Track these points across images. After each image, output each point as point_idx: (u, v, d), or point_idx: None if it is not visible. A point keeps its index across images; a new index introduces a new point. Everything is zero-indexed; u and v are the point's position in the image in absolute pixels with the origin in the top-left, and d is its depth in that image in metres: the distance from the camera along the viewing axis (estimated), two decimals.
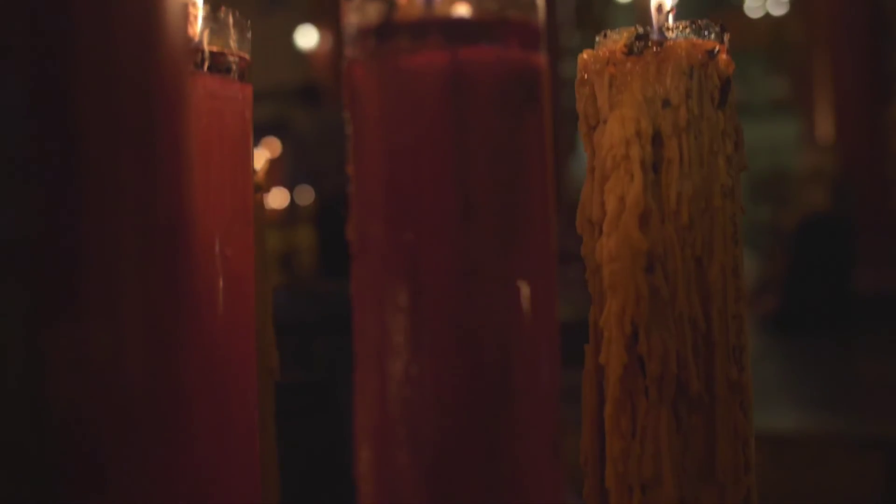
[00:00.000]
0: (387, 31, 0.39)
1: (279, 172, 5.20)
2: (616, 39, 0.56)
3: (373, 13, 0.40)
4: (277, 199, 5.26)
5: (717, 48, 0.55)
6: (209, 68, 0.50)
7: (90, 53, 0.29)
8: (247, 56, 0.53)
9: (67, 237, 0.29)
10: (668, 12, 0.57)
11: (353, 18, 0.41)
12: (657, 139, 0.54)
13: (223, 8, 0.51)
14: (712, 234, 0.54)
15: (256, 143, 3.70)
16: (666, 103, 0.54)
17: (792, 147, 8.71)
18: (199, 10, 0.51)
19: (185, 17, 0.36)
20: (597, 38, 0.58)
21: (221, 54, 0.51)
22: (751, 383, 0.56)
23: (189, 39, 0.46)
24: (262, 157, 5.94)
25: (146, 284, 0.31)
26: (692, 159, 0.54)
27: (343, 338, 0.46)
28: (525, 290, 0.39)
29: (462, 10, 0.39)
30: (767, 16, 7.76)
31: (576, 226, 0.58)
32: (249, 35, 0.53)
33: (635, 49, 0.55)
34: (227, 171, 0.51)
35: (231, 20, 0.52)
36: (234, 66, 0.51)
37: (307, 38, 6.97)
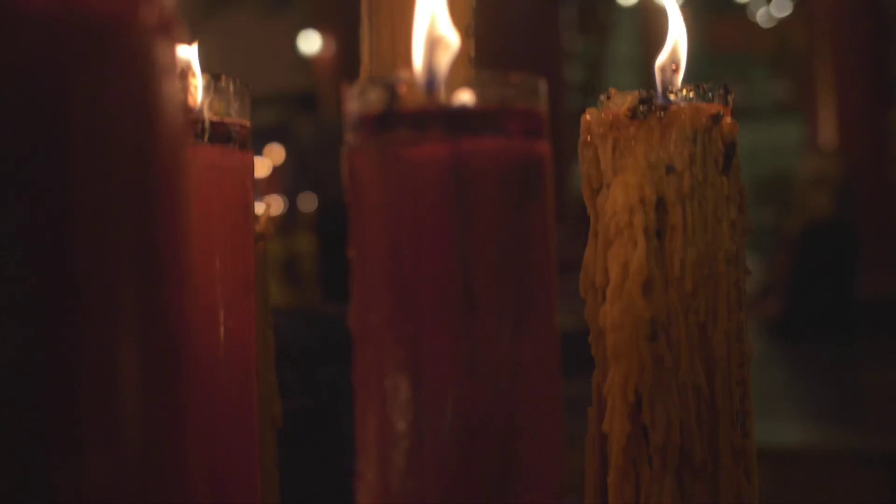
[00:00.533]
0: (388, 120, 0.39)
1: (280, 179, 5.20)
2: (620, 103, 0.55)
3: (374, 101, 0.39)
4: (276, 206, 5.26)
5: (721, 112, 0.54)
6: (209, 138, 0.50)
7: (85, 148, 0.29)
8: (247, 123, 0.52)
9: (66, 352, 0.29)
10: (674, 72, 0.57)
11: (354, 105, 0.40)
12: (661, 205, 0.53)
13: (223, 76, 0.51)
14: (716, 301, 0.54)
15: (259, 150, 3.72)
16: (670, 169, 0.53)
17: (795, 150, 8.71)
18: (198, 79, 0.50)
19: (184, 102, 0.36)
20: (601, 98, 0.57)
21: (222, 124, 0.51)
22: (754, 448, 0.56)
23: (187, 126, 0.45)
24: (264, 165, 5.94)
25: (147, 404, 0.30)
26: (696, 226, 0.53)
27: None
28: (528, 381, 0.39)
29: (464, 98, 0.39)
30: (771, 20, 7.76)
31: (580, 288, 0.57)
32: (249, 101, 0.52)
33: (639, 113, 0.54)
34: (228, 243, 0.50)
35: (231, 88, 0.51)
36: (234, 135, 0.51)
37: (309, 43, 6.97)
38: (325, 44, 6.78)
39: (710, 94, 0.55)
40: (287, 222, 4.79)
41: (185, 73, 0.50)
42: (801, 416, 3.29)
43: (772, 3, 7.71)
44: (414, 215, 0.39)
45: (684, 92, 0.55)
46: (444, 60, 0.41)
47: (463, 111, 0.39)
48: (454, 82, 0.43)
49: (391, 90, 0.39)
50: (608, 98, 0.56)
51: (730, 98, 0.56)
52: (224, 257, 0.50)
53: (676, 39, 0.57)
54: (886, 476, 2.28)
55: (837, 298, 5.15)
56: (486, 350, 0.39)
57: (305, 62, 7.29)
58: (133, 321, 0.30)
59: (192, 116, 0.50)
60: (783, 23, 7.53)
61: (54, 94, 0.28)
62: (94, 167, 0.29)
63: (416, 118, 0.39)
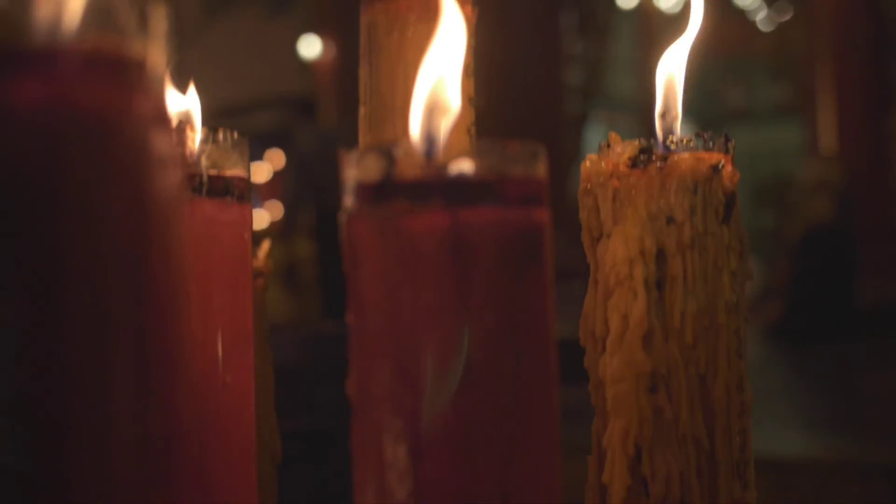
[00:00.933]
0: (386, 189, 0.39)
1: (281, 184, 5.20)
2: (620, 152, 0.55)
3: (372, 169, 0.39)
4: (276, 211, 5.26)
5: (721, 162, 0.54)
6: (207, 192, 0.50)
7: (79, 238, 0.29)
8: (245, 175, 0.52)
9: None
10: (673, 119, 0.57)
11: (352, 172, 0.40)
12: (661, 256, 0.53)
13: (221, 130, 0.50)
14: (716, 351, 0.54)
15: (259, 154, 3.71)
16: (670, 220, 0.53)
17: (795, 153, 8.70)
18: (196, 132, 0.50)
19: (181, 188, 0.35)
20: (601, 145, 0.57)
21: (220, 178, 0.50)
22: (754, 499, 0.55)
23: (184, 211, 0.45)
24: (264, 170, 5.94)
25: (145, 463, 0.30)
26: (696, 276, 0.53)
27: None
28: (527, 455, 0.39)
29: (463, 166, 0.39)
30: (771, 23, 7.74)
31: (580, 337, 0.57)
32: (248, 153, 0.52)
33: (639, 162, 0.54)
34: (227, 297, 0.50)
35: (229, 140, 0.51)
36: (232, 188, 0.51)
37: (310, 47, 6.96)
38: (326, 48, 6.77)
39: (710, 143, 0.55)
40: (287, 228, 4.79)
41: (183, 126, 0.50)
42: (802, 423, 3.28)
43: (772, 6, 7.70)
44: (412, 286, 0.38)
45: (684, 141, 0.55)
46: (444, 126, 0.41)
47: (461, 181, 0.38)
48: (454, 144, 0.42)
49: (389, 158, 0.39)
50: (608, 146, 0.56)
51: (730, 145, 0.56)
52: (223, 312, 0.50)
53: (676, 86, 0.57)
54: (888, 488, 2.27)
55: (838, 303, 5.14)
56: (484, 423, 0.38)
57: (306, 66, 7.28)
58: (130, 415, 0.30)
59: (190, 170, 0.49)
60: (783, 26, 7.52)
61: (48, 188, 0.28)
62: (88, 257, 0.29)
63: (414, 188, 0.38)
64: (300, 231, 4.68)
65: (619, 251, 0.53)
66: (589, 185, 0.56)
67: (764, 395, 3.40)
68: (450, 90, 0.41)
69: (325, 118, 6.82)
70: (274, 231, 5.15)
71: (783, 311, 5.34)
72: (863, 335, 5.05)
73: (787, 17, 7.32)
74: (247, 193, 0.52)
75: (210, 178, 0.50)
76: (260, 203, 5.54)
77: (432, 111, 0.41)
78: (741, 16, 9.50)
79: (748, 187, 10.98)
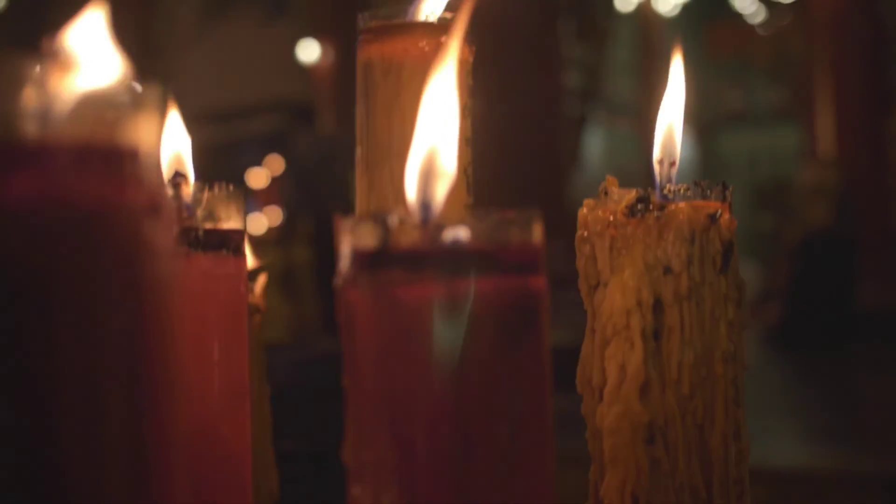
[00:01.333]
0: (382, 259, 0.38)
1: (279, 189, 5.19)
2: (617, 200, 0.55)
3: (368, 237, 0.39)
4: (275, 217, 5.25)
5: (719, 211, 0.54)
6: (203, 247, 0.50)
7: (73, 330, 0.29)
8: (241, 226, 0.52)
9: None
10: (671, 165, 0.57)
11: (347, 240, 0.40)
12: (658, 306, 0.53)
13: (217, 183, 0.50)
14: (714, 401, 0.53)
15: (258, 160, 3.70)
16: (667, 270, 0.53)
17: (794, 155, 8.70)
18: (191, 186, 0.50)
19: (175, 273, 0.35)
20: (599, 189, 0.57)
21: (215, 232, 0.50)
22: None
23: (177, 299, 0.45)
24: (262, 176, 5.93)
25: None
26: (693, 327, 0.53)
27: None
28: None
29: (459, 233, 0.39)
30: (770, 27, 7.75)
31: (576, 383, 0.57)
32: (243, 205, 0.52)
33: (636, 212, 0.54)
34: (222, 352, 0.50)
35: (226, 194, 0.51)
36: (228, 242, 0.51)
37: (308, 51, 6.96)
38: (324, 52, 6.77)
39: (708, 191, 0.55)
40: (285, 234, 4.78)
41: (178, 180, 0.50)
42: (800, 431, 3.28)
43: (771, 10, 7.70)
44: (408, 356, 0.38)
45: (682, 190, 0.54)
46: (440, 192, 0.41)
47: (456, 251, 0.38)
48: (451, 202, 0.42)
49: (384, 228, 0.39)
50: (606, 193, 0.56)
51: (728, 193, 0.55)
52: (219, 366, 0.50)
53: (673, 133, 0.57)
54: (888, 500, 2.27)
55: (836, 307, 5.15)
56: (481, 491, 0.38)
57: (303, 71, 7.28)
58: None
59: (185, 224, 0.49)
60: (782, 30, 7.52)
61: (41, 284, 0.28)
62: (82, 350, 0.28)
63: (409, 258, 0.38)
64: (298, 237, 4.67)
65: (616, 301, 0.53)
66: (586, 234, 0.56)
67: (762, 402, 3.40)
68: (446, 154, 0.41)
69: (323, 123, 6.83)
70: (272, 237, 5.14)
71: (782, 315, 5.34)
72: (861, 339, 5.06)
73: (785, 21, 7.32)
74: (242, 245, 0.52)
75: (205, 232, 0.50)
76: (258, 208, 5.53)
77: (428, 177, 0.40)
78: (739, 19, 9.51)
79: (746, 190, 10.98)
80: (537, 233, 0.40)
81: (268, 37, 8.33)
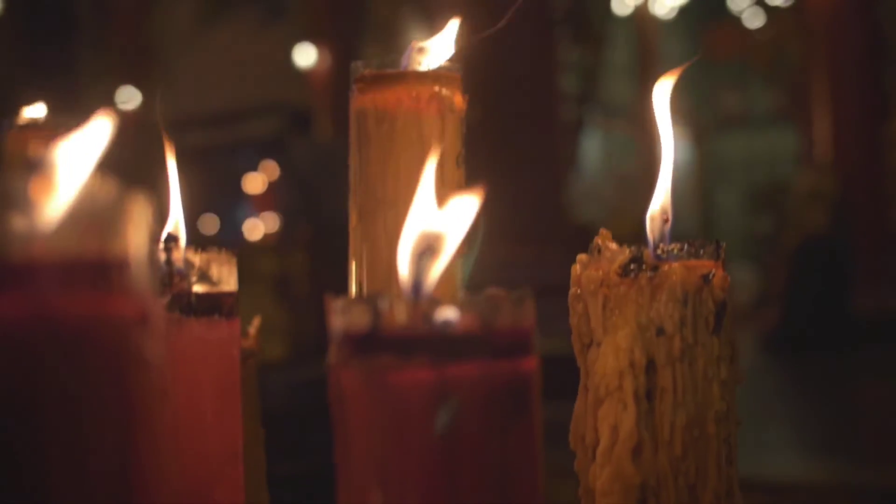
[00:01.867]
0: (372, 343, 0.38)
1: (275, 194, 5.18)
2: (610, 258, 0.55)
3: (358, 319, 0.39)
4: (271, 223, 5.25)
5: (712, 272, 0.54)
6: (195, 312, 0.50)
7: (63, 441, 0.29)
8: (234, 289, 0.52)
9: None
10: (665, 222, 0.57)
11: (338, 321, 0.40)
12: (651, 367, 0.53)
13: (211, 248, 0.50)
14: (706, 461, 0.53)
15: (255, 165, 3.70)
16: (660, 331, 0.53)
17: (791, 158, 8.71)
18: (182, 251, 0.50)
19: (162, 389, 0.35)
20: (591, 247, 0.57)
21: (208, 296, 0.50)
22: None
23: (164, 406, 0.45)
24: (258, 181, 5.92)
25: None
26: (686, 388, 0.53)
27: None
28: None
29: (450, 315, 0.38)
30: (767, 31, 7.74)
31: (569, 440, 0.57)
32: (235, 268, 0.52)
33: (630, 271, 0.54)
34: (215, 415, 0.50)
35: (218, 258, 0.51)
36: (220, 305, 0.51)
37: (304, 56, 6.95)
38: (321, 57, 6.76)
39: (701, 251, 0.55)
40: (282, 241, 4.78)
41: (171, 245, 0.50)
42: (795, 440, 3.28)
43: (768, 14, 7.70)
44: (399, 439, 0.38)
45: (675, 249, 0.54)
46: (433, 271, 0.41)
47: (448, 335, 0.38)
48: (444, 279, 0.42)
49: (375, 311, 0.39)
50: (599, 251, 0.56)
51: (721, 251, 0.55)
52: (212, 432, 0.50)
53: (666, 190, 0.57)
54: None
55: (833, 312, 5.15)
56: None
57: (300, 75, 7.28)
58: None
59: (178, 289, 0.49)
60: (779, 34, 7.52)
61: (30, 399, 0.28)
62: (72, 460, 0.28)
63: (400, 343, 0.38)
64: (295, 244, 4.66)
65: (609, 362, 0.53)
66: (579, 291, 0.56)
67: (757, 413, 3.39)
68: (440, 236, 0.41)
69: (319, 127, 6.82)
70: (268, 243, 5.14)
71: (779, 320, 5.35)
72: (858, 344, 5.05)
73: (782, 25, 7.31)
74: (235, 308, 0.52)
75: (199, 297, 0.50)
76: (255, 214, 5.52)
77: (421, 256, 0.40)
78: (737, 21, 9.51)
79: (743, 193, 10.98)
80: (529, 312, 0.40)
81: (265, 40, 8.31)
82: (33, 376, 0.28)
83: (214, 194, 8.83)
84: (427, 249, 0.41)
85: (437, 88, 0.64)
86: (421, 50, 0.65)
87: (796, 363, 5.07)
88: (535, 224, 3.63)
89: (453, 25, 0.66)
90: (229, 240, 6.65)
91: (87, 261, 0.29)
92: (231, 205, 8.35)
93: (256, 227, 5.14)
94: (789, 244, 5.44)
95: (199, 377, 0.49)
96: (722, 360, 0.54)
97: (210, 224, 6.96)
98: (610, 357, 0.53)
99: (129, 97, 7.62)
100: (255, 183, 5.63)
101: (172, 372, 0.48)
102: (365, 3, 7.08)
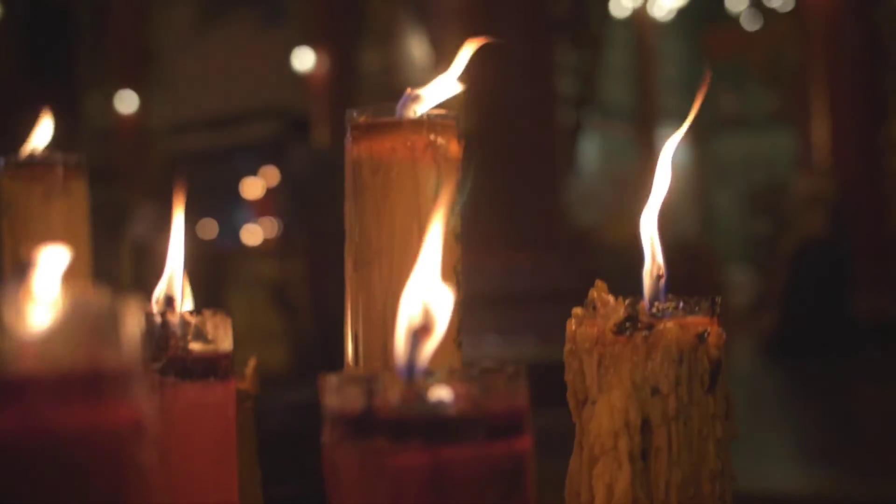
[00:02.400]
0: (367, 425, 0.38)
1: (274, 200, 5.19)
2: (605, 315, 0.55)
3: (352, 400, 0.39)
4: (270, 228, 5.25)
5: (707, 331, 0.54)
6: (191, 376, 0.50)
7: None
8: (229, 351, 0.52)
9: None
10: (659, 278, 0.57)
11: (332, 400, 0.40)
12: (646, 425, 0.53)
13: (205, 311, 0.50)
14: None
15: (253, 167, 3.70)
16: (655, 391, 0.53)
17: (789, 158, 8.70)
18: (178, 314, 0.50)
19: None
20: (586, 302, 0.57)
21: (202, 359, 0.50)
22: None
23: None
24: (258, 186, 5.93)
25: None
26: (681, 447, 0.53)
27: None
28: None
29: (443, 394, 0.39)
30: (765, 33, 7.74)
31: (565, 497, 0.57)
32: (230, 329, 0.52)
33: (625, 330, 0.54)
34: (210, 476, 0.50)
35: (214, 319, 0.51)
36: (215, 368, 0.51)
37: (303, 60, 6.95)
38: (319, 61, 6.77)
39: (696, 308, 0.55)
40: (281, 246, 4.78)
41: (167, 309, 0.50)
42: (794, 450, 3.28)
43: (766, 16, 7.69)
44: None
45: (670, 307, 0.54)
46: (427, 349, 0.41)
47: (443, 417, 0.38)
48: (440, 351, 0.42)
49: (369, 391, 0.39)
50: (594, 308, 0.56)
51: (717, 307, 0.55)
52: (208, 492, 0.50)
53: (656, 240, 0.57)
54: None
55: (831, 316, 5.15)
56: None
57: (299, 78, 7.28)
58: None
59: (174, 352, 0.49)
60: (778, 35, 7.52)
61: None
62: None
63: (395, 425, 0.38)
64: (294, 251, 4.67)
65: (603, 422, 0.53)
66: (574, 348, 0.56)
67: (758, 420, 3.39)
68: (435, 309, 0.41)
69: (317, 131, 6.82)
70: (268, 248, 5.14)
71: (777, 325, 5.35)
72: (856, 349, 5.05)
73: (780, 27, 7.31)
74: (230, 369, 0.52)
75: (193, 360, 0.50)
76: (254, 219, 5.53)
77: (417, 336, 0.40)
78: (735, 22, 9.52)
79: (742, 194, 10.98)
80: (522, 389, 0.40)
81: (264, 44, 8.31)
82: (28, 489, 0.28)
83: (213, 199, 8.84)
84: (422, 328, 0.41)
85: (432, 137, 0.64)
86: (416, 98, 0.64)
87: (795, 368, 5.08)
88: (534, 230, 3.63)
89: (451, 72, 0.66)
90: (228, 244, 6.68)
91: (80, 372, 0.29)
92: (230, 209, 8.36)
93: (255, 232, 5.14)
94: (788, 248, 5.44)
95: (195, 440, 0.50)
96: (717, 418, 0.54)
97: (209, 229, 6.98)
98: (605, 416, 0.53)
99: (128, 100, 7.62)
100: (253, 188, 5.65)
101: (168, 436, 0.48)
102: (363, 7, 7.08)
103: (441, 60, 3.61)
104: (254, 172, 6.76)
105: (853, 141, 5.71)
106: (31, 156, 0.82)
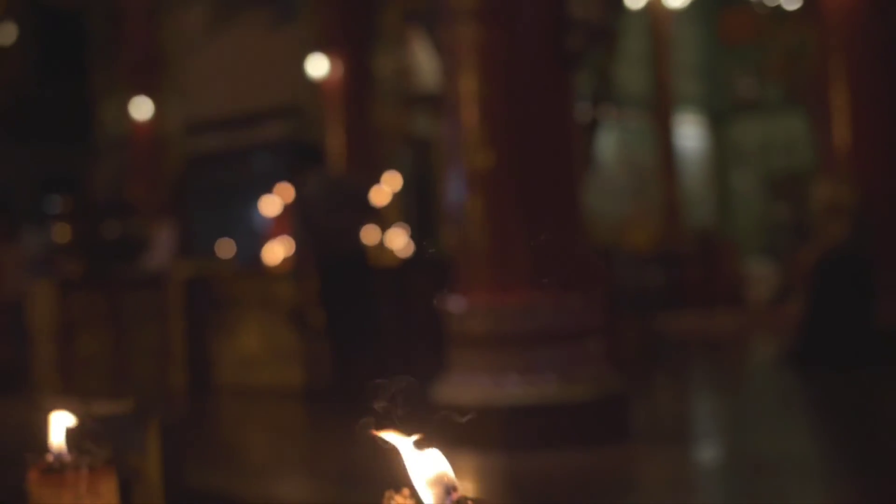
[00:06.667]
0: None
1: (289, 220, 5.16)
2: None
3: None
4: (286, 247, 5.23)
5: None
6: None
7: None
8: None
9: None
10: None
11: None
12: None
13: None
14: None
15: (269, 188, 3.68)
16: None
17: (808, 143, 8.60)
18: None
19: None
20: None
21: None
22: None
23: None
24: (275, 205, 5.90)
25: None
26: None
27: None
28: None
29: None
30: (783, 34, 7.61)
31: None
32: None
33: None
34: None
35: None
36: None
37: (317, 65, 6.88)
38: (333, 66, 6.71)
39: None
40: (297, 268, 4.76)
41: None
42: (825, 463, 3.23)
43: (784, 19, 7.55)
44: None
45: None
46: None
47: None
48: None
49: None
50: None
51: None
52: None
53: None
54: None
55: (855, 327, 5.07)
56: None
57: (311, 82, 7.22)
58: None
59: None
60: (796, 42, 7.39)
61: None
62: None
63: None
64: (309, 273, 4.64)
65: None
66: None
67: (792, 435, 3.33)
68: None
69: (332, 135, 6.78)
70: (285, 269, 5.12)
71: (801, 336, 5.26)
72: (881, 359, 4.97)
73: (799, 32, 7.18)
74: None
75: None
76: (272, 238, 5.51)
77: None
78: (753, 5, 9.37)
79: (761, 180, 10.87)
80: None
81: (276, 43, 8.24)
82: None
83: (230, 218, 8.83)
84: None
85: None
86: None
87: (820, 379, 4.99)
88: (554, 266, 3.59)
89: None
90: (246, 263, 6.65)
91: None
92: (246, 219, 8.33)
93: (274, 252, 5.11)
94: (810, 258, 5.38)
95: None
96: None
97: (227, 247, 6.96)
98: None
99: (143, 107, 7.55)
100: (271, 205, 5.62)
101: None
102: (375, 13, 7.01)
103: (451, 64, 3.53)
104: (269, 173, 6.73)
105: (874, 147, 5.62)
106: (59, 461, 0.80)
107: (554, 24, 3.62)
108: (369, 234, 4.49)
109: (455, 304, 3.50)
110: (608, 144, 9.63)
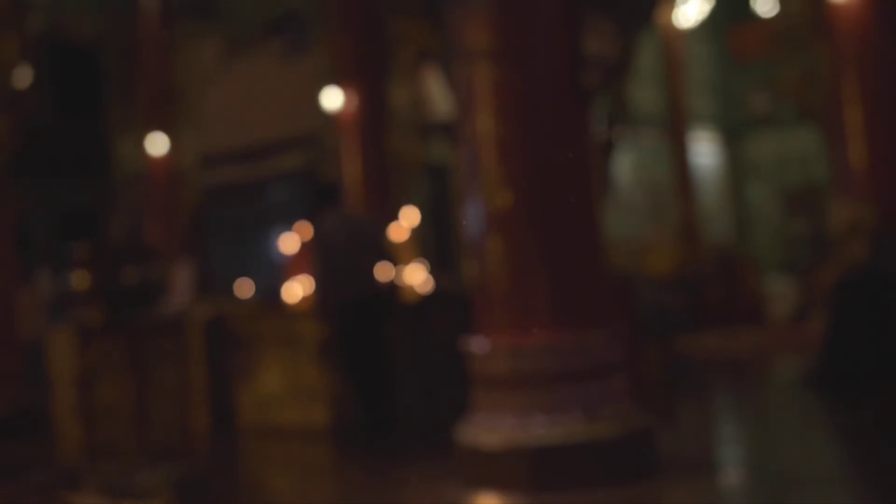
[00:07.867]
0: None
1: (307, 258, 5.16)
2: None
3: None
4: (307, 286, 5.22)
5: None
6: None
7: None
8: None
9: None
10: None
11: None
12: None
13: None
14: None
15: (286, 219, 3.67)
16: None
17: (823, 158, 8.56)
18: None
19: None
20: None
21: None
22: None
23: None
24: (293, 241, 5.90)
25: None
26: None
27: None
28: None
29: None
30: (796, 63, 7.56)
31: None
32: None
33: None
34: None
35: None
36: None
37: (331, 98, 6.91)
38: (348, 97, 6.73)
39: None
40: (321, 307, 4.75)
41: None
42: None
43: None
44: None
45: None
46: None
47: None
48: None
49: None
50: None
51: None
52: None
53: None
54: None
55: (877, 349, 5.04)
56: None
57: (325, 112, 7.25)
58: None
59: None
60: (808, 63, 7.35)
61: None
62: None
63: None
64: (331, 312, 4.63)
65: None
66: None
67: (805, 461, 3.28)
68: None
69: (348, 164, 6.79)
70: (308, 308, 5.12)
71: (822, 358, 5.24)
72: None
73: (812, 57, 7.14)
74: None
75: None
76: (291, 276, 5.51)
77: None
78: (762, 20, 9.34)
79: (777, 195, 10.83)
80: None
81: (291, 73, 8.28)
82: None
83: (247, 250, 8.86)
84: None
85: None
86: None
87: (842, 400, 4.96)
88: (577, 304, 3.57)
89: None
90: (264, 299, 6.66)
91: None
92: (264, 260, 8.34)
93: (294, 290, 5.13)
94: (829, 279, 5.35)
95: None
96: None
97: (245, 287, 6.98)
98: None
99: (159, 143, 7.61)
100: (289, 243, 5.63)
101: None
102: (388, 48, 7.02)
103: (466, 102, 3.51)
104: (286, 203, 6.77)
105: (890, 164, 5.59)
106: None
107: (569, 62, 3.60)
108: (385, 272, 4.48)
109: (477, 344, 3.49)
110: (624, 165, 9.63)
